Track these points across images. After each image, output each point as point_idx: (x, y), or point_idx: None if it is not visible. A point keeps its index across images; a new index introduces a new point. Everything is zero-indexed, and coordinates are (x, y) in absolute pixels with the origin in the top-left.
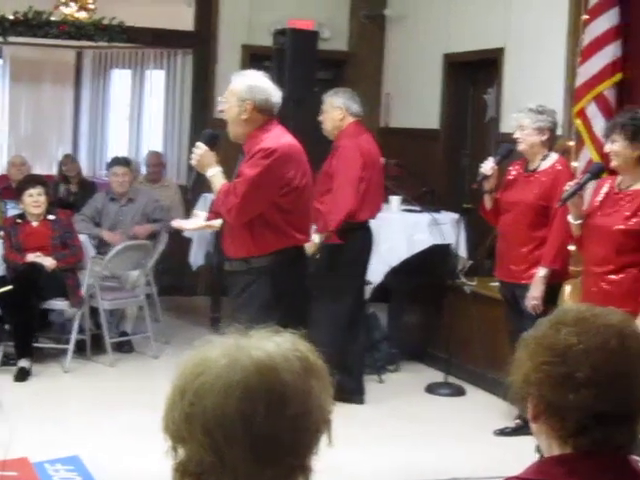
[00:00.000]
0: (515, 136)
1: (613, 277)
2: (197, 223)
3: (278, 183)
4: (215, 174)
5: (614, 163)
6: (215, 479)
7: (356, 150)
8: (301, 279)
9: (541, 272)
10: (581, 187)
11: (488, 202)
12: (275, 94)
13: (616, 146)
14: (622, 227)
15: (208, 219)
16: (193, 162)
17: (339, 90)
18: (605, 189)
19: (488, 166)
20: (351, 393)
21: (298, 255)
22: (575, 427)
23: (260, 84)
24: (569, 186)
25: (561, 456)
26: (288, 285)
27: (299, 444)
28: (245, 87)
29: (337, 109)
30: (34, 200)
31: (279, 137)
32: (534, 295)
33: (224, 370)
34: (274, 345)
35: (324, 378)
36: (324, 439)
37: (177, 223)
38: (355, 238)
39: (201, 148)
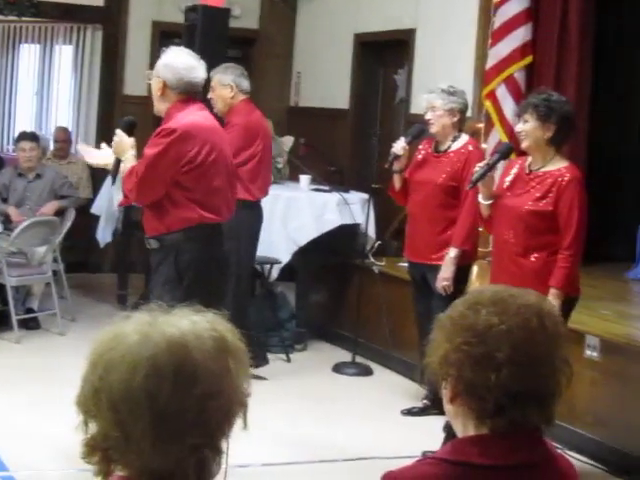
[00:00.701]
0: (427, 117)
1: (523, 259)
2: (99, 160)
3: (178, 161)
4: (127, 158)
5: (525, 144)
6: (121, 454)
7: (247, 130)
8: (210, 257)
9: (452, 253)
10: (490, 168)
11: (397, 182)
12: (193, 74)
13: (527, 126)
14: (533, 208)
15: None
16: (112, 149)
17: (228, 67)
18: (515, 170)
19: (399, 146)
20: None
21: (207, 234)
22: (494, 407)
23: (175, 62)
24: (479, 167)
25: (476, 436)
26: (192, 263)
27: (206, 424)
28: (161, 64)
29: (227, 87)
30: None
31: (187, 115)
32: (444, 276)
33: (135, 345)
34: (189, 323)
35: (242, 360)
36: (238, 422)
37: (82, 148)
38: (250, 216)
39: (118, 135)
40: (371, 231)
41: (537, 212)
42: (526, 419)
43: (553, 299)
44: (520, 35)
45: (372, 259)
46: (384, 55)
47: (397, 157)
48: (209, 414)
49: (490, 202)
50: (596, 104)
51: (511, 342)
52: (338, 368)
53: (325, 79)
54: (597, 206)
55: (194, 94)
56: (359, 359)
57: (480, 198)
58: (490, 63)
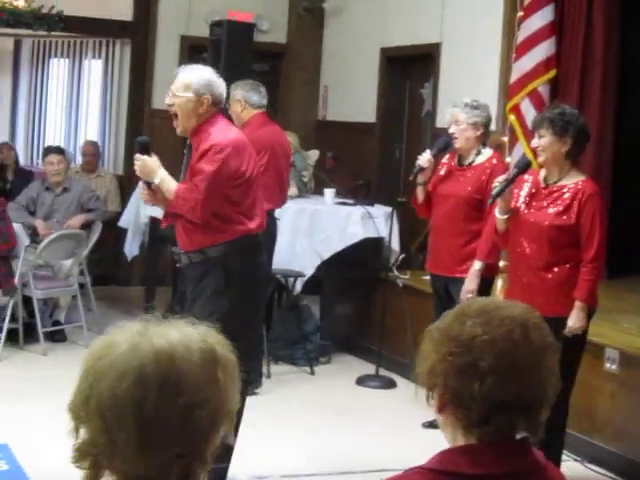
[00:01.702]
0: (450, 131)
1: (545, 272)
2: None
3: (233, 176)
4: (163, 178)
5: (541, 158)
6: (108, 461)
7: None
8: (255, 268)
9: (476, 265)
10: (510, 183)
11: (421, 194)
12: (223, 88)
13: (544, 141)
14: (555, 223)
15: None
16: (138, 174)
17: (240, 82)
18: (529, 184)
19: (425, 158)
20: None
21: (251, 244)
22: (479, 416)
23: (216, 79)
24: (498, 182)
25: (465, 446)
26: (240, 274)
27: (191, 434)
28: (204, 81)
29: (237, 102)
30: None
31: (227, 131)
32: (469, 288)
33: (123, 355)
34: (179, 334)
35: (231, 371)
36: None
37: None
38: None
39: (139, 158)
40: (395, 244)
41: (559, 226)
42: (512, 428)
43: (579, 311)
44: (544, 49)
45: (396, 272)
46: (410, 69)
47: (422, 169)
48: (194, 424)
49: (506, 216)
50: (621, 115)
51: (494, 352)
52: (362, 381)
53: (352, 93)
54: (623, 219)
55: (222, 109)
56: (383, 372)
57: (497, 212)
58: (514, 77)
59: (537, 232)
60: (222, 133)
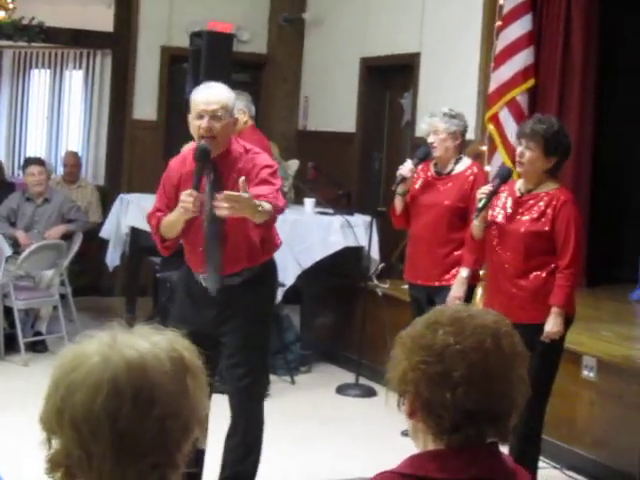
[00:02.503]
0: (430, 141)
1: (522, 280)
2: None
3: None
4: (258, 204)
5: (523, 170)
6: (82, 473)
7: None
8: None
9: (463, 273)
10: (494, 193)
11: (399, 205)
12: None
13: (530, 155)
14: (531, 229)
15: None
16: (226, 212)
17: (240, 93)
18: (505, 194)
19: (407, 168)
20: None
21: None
22: (450, 424)
23: None
24: (483, 194)
25: (434, 451)
26: (273, 291)
27: (165, 443)
28: (234, 100)
29: (240, 112)
30: None
31: (260, 151)
32: (456, 295)
33: (95, 367)
34: (148, 344)
35: (200, 377)
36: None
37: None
38: None
39: (231, 197)
40: (374, 253)
41: (535, 232)
42: (482, 435)
43: (555, 316)
44: (522, 58)
45: (376, 281)
46: (390, 79)
47: (404, 179)
48: (168, 434)
49: (482, 224)
50: (601, 125)
51: (466, 362)
52: (342, 390)
53: (332, 103)
54: (603, 228)
55: None
56: (363, 380)
57: (474, 220)
58: (492, 87)
59: (513, 240)
60: (262, 153)
